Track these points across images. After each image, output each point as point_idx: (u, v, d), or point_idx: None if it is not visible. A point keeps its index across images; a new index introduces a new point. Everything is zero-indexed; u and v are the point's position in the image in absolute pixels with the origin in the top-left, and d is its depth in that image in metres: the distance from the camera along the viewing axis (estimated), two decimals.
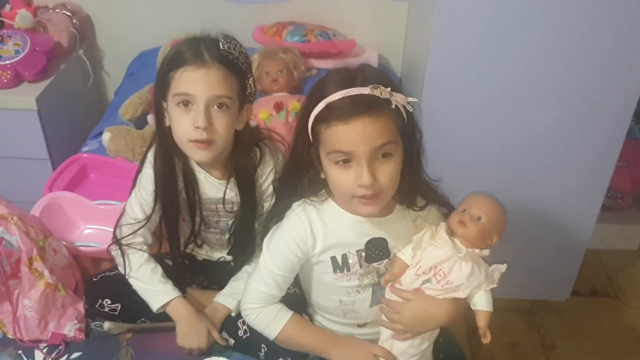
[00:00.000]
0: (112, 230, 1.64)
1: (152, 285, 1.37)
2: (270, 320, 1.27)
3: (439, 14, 1.73)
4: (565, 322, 2.19)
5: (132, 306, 1.38)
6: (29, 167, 2.16)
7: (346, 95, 1.10)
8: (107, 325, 1.41)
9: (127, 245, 1.39)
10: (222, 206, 1.39)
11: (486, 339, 1.21)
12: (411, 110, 1.14)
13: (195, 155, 1.29)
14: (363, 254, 1.24)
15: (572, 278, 2.22)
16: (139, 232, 1.38)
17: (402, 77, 2.36)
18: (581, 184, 1.98)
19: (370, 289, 1.28)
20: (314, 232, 1.22)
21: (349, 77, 1.13)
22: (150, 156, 1.36)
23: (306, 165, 1.21)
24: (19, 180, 2.12)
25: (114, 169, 1.86)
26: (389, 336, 1.26)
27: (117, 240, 1.39)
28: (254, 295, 1.28)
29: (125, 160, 1.87)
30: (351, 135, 1.09)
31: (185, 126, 1.24)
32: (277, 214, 1.28)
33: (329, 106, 1.11)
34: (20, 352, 1.37)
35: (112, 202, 1.68)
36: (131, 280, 1.38)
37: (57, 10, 2.33)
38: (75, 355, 1.37)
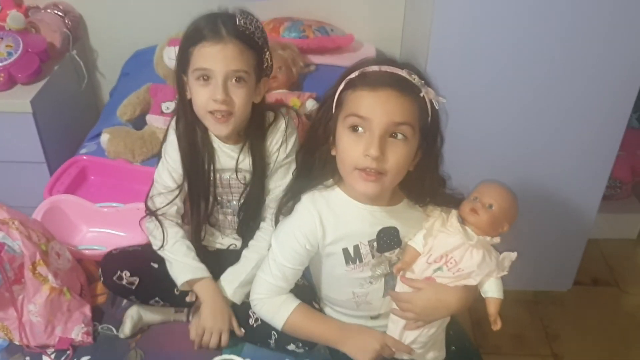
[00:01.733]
0: (117, 233, 1.64)
1: (186, 260, 1.37)
2: (277, 310, 1.27)
3: (440, 5, 1.72)
4: (568, 312, 2.20)
5: (150, 282, 1.38)
6: (26, 171, 2.13)
7: (382, 69, 1.13)
8: (122, 333, 1.40)
9: (163, 215, 1.40)
10: (235, 177, 1.40)
11: (497, 326, 1.22)
12: (437, 108, 1.15)
13: (215, 128, 1.33)
14: (375, 243, 1.24)
15: (573, 268, 2.23)
16: (174, 201, 1.40)
17: None
18: (582, 174, 1.98)
19: (383, 279, 1.27)
20: (323, 224, 1.22)
21: (390, 59, 1.17)
22: (174, 122, 1.40)
23: (322, 142, 1.22)
24: (15, 185, 2.09)
25: (114, 171, 1.85)
26: (399, 327, 1.25)
27: (152, 212, 1.40)
28: (262, 286, 1.29)
29: (125, 162, 1.85)
30: (373, 103, 1.11)
31: (204, 99, 1.28)
32: (292, 196, 1.28)
33: (362, 74, 1.14)
34: (27, 358, 1.36)
35: (115, 204, 1.66)
36: (164, 253, 1.38)
37: (49, 11, 2.30)
38: (84, 359, 1.36)
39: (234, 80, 1.28)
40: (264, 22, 2.23)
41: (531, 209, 2.01)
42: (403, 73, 1.12)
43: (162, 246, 1.38)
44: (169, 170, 1.40)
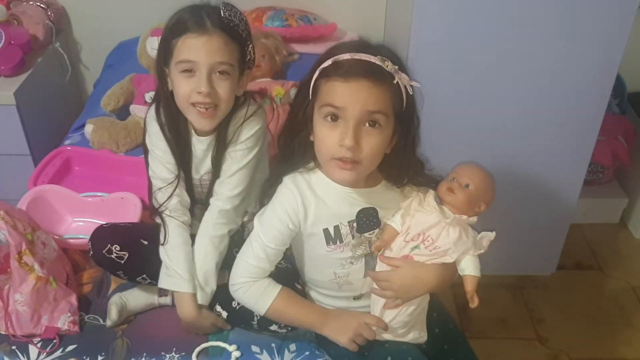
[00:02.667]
0: (101, 222, 1.64)
1: (177, 268, 1.35)
2: (260, 296, 1.27)
3: None
4: (552, 296, 2.23)
5: (138, 258, 1.38)
6: (10, 164, 2.13)
7: (354, 57, 1.13)
8: (109, 320, 1.40)
9: (169, 212, 1.38)
10: (207, 173, 1.39)
11: (474, 303, 1.23)
12: (411, 94, 1.16)
13: (198, 122, 1.32)
14: (354, 224, 1.25)
15: (557, 253, 2.26)
16: (175, 193, 1.38)
17: None
18: (564, 159, 2.00)
19: (363, 260, 1.29)
20: (305, 204, 1.23)
21: (364, 45, 1.17)
22: (152, 113, 1.38)
23: (301, 127, 1.23)
24: (0, 178, 2.08)
25: (98, 161, 1.85)
26: (379, 307, 1.27)
27: (156, 210, 1.39)
28: (244, 269, 1.28)
29: (110, 152, 1.86)
30: (347, 93, 1.12)
31: (187, 90, 1.27)
32: (273, 180, 1.29)
33: (335, 63, 1.14)
34: (14, 347, 1.36)
35: (100, 194, 1.67)
36: (162, 253, 1.37)
37: (31, 3, 2.28)
38: (71, 348, 1.36)
39: (218, 73, 1.27)
40: (246, 11, 2.24)
41: (514, 194, 2.04)
42: (376, 60, 1.12)
43: (163, 244, 1.37)
44: (161, 162, 1.38)
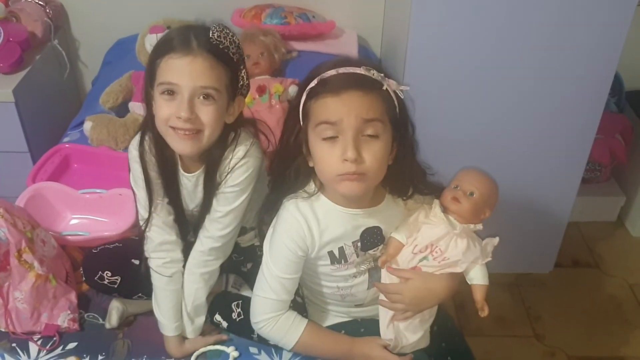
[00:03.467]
0: (100, 219, 1.64)
1: (160, 313, 1.34)
2: (287, 331, 1.25)
3: None
4: (549, 294, 2.24)
5: (131, 280, 1.38)
6: (9, 161, 2.12)
7: (340, 72, 1.12)
8: (109, 324, 1.40)
9: (149, 255, 1.35)
10: (197, 206, 1.34)
11: (484, 313, 1.22)
12: (402, 97, 1.15)
13: (178, 145, 1.21)
14: (359, 244, 1.24)
15: (554, 251, 2.27)
16: (153, 235, 1.34)
17: (382, 57, 2.37)
18: (562, 158, 2.01)
19: (367, 273, 1.28)
20: (311, 230, 1.20)
21: (345, 60, 1.16)
22: (133, 149, 1.31)
23: (294, 154, 1.20)
24: None
25: (97, 159, 1.84)
26: (389, 320, 1.26)
27: (147, 259, 1.36)
28: (264, 305, 1.24)
29: (109, 149, 1.85)
30: (339, 105, 1.10)
31: (166, 114, 1.18)
32: (269, 207, 1.27)
33: (322, 81, 1.12)
34: (14, 345, 1.36)
35: (98, 191, 1.66)
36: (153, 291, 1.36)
37: (30, 0, 2.27)
38: (71, 345, 1.36)
39: (201, 97, 1.17)
40: (245, 9, 2.24)
41: (512, 193, 2.04)
42: (361, 70, 1.12)
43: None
44: (142, 203, 1.33)
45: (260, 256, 1.29)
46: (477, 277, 1.22)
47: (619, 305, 2.20)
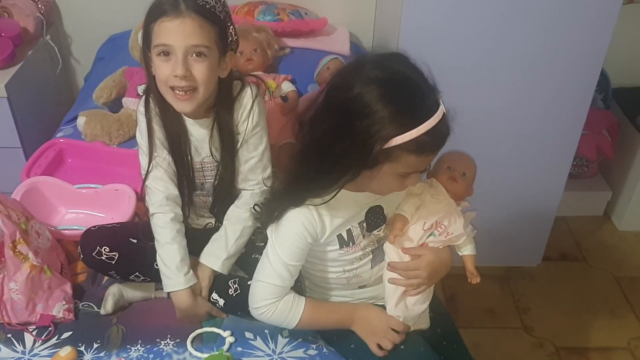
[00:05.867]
0: (96, 214, 1.65)
1: (169, 268, 1.36)
2: (288, 313, 1.25)
3: None
4: (537, 286, 2.28)
5: (129, 257, 1.40)
6: (1, 156, 2.13)
7: None
8: (104, 310, 1.42)
9: (156, 211, 1.40)
10: (208, 158, 1.41)
11: (477, 279, 1.31)
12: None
13: (178, 105, 1.31)
14: (364, 224, 1.26)
15: (542, 244, 2.30)
16: (160, 188, 1.40)
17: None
18: (549, 153, 2.04)
19: (371, 254, 1.31)
20: (321, 217, 1.21)
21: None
22: (141, 107, 1.40)
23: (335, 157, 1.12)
24: None
25: (91, 153, 1.85)
26: (398, 298, 1.28)
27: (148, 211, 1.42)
28: (268, 291, 1.24)
29: (103, 144, 1.86)
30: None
31: (165, 74, 1.27)
32: (285, 205, 1.22)
33: None
34: (9, 335, 1.37)
35: (93, 186, 1.67)
36: (157, 256, 1.39)
37: None
38: (66, 335, 1.37)
39: (194, 55, 1.26)
40: (238, 6, 2.26)
41: (500, 187, 2.07)
42: None
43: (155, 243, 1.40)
44: (145, 153, 1.40)
45: (254, 240, 1.31)
46: (467, 248, 1.32)
47: (606, 297, 2.24)
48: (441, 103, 1.12)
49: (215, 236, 1.44)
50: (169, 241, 1.38)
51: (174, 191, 1.42)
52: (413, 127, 1.07)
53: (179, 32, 1.24)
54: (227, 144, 1.40)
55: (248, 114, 1.38)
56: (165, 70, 1.27)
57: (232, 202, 1.46)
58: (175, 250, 1.37)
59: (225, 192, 1.46)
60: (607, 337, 2.09)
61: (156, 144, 1.39)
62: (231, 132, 1.39)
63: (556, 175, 2.10)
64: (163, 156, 1.40)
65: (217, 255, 1.41)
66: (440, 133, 1.11)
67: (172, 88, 1.29)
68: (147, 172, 1.41)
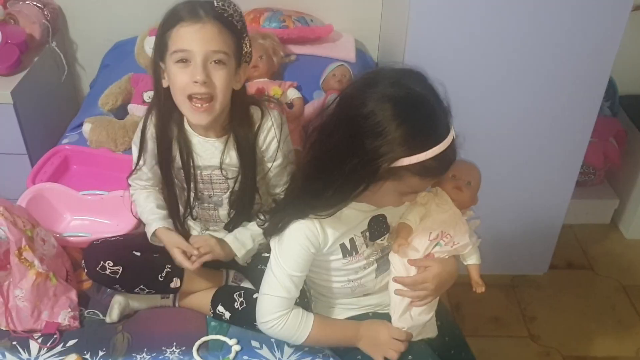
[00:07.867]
0: (101, 220, 1.65)
1: (149, 215, 1.43)
2: (297, 329, 1.24)
3: None
4: (544, 295, 2.26)
5: (133, 271, 1.38)
6: (7, 163, 2.12)
7: None
8: (109, 318, 1.41)
9: (132, 182, 1.47)
10: (218, 172, 1.38)
11: (482, 288, 1.30)
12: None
13: (194, 117, 1.29)
14: (367, 233, 1.26)
15: (549, 253, 2.30)
16: (143, 178, 1.45)
17: (378, 61, 2.39)
18: (556, 161, 2.04)
19: (375, 264, 1.30)
20: (324, 227, 1.21)
21: None
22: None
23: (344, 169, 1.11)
24: None
25: (97, 160, 1.85)
26: (404, 308, 1.28)
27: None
28: (274, 304, 1.23)
29: (108, 151, 1.86)
30: None
31: (184, 82, 1.25)
32: (291, 217, 1.22)
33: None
34: (14, 343, 1.36)
35: (99, 192, 1.67)
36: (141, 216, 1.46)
37: (28, 2, 2.28)
38: (71, 342, 1.36)
39: (213, 62, 1.24)
40: (244, 12, 2.24)
41: (507, 195, 2.07)
42: None
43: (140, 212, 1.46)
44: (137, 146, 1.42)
45: (260, 251, 1.30)
46: (472, 258, 1.31)
47: (613, 306, 2.23)
48: (452, 128, 1.11)
49: (242, 228, 1.44)
50: (144, 198, 1.45)
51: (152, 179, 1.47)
52: (422, 150, 1.06)
53: (198, 37, 1.23)
54: (247, 163, 1.37)
55: (279, 135, 1.37)
56: (184, 78, 1.24)
57: (248, 218, 1.44)
58: (151, 202, 1.44)
59: (243, 208, 1.43)
60: (615, 346, 2.08)
61: (147, 152, 1.40)
62: (251, 150, 1.36)
63: (563, 183, 2.10)
64: (150, 166, 1.42)
65: (244, 243, 1.41)
66: (447, 158, 1.11)
67: (190, 98, 1.26)
68: (133, 173, 1.45)
